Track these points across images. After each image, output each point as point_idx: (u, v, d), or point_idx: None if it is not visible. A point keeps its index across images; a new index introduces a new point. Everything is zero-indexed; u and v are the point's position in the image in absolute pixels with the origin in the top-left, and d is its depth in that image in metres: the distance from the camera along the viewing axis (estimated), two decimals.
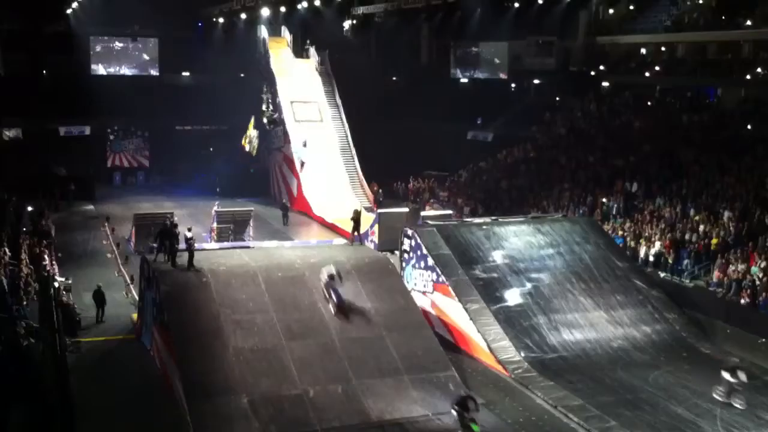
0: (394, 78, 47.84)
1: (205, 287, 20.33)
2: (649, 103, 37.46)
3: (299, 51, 42.72)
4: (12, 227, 24.42)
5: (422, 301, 22.64)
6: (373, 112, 42.15)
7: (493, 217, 26.84)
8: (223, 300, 19.94)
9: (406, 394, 18.03)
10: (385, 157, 38.01)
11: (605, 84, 40.24)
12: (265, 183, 40.94)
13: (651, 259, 25.83)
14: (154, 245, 21.91)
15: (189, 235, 20.52)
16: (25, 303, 18.62)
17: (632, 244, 26.79)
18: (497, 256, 23.55)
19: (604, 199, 29.82)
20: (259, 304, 20.02)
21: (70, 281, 22.88)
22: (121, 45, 47.61)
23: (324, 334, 19.37)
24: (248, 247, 24.58)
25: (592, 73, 40.46)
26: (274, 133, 40.11)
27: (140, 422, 16.47)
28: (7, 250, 21.23)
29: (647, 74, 38.43)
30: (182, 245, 20.62)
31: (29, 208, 27.87)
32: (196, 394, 16.93)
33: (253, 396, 17.14)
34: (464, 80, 45.71)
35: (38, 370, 15.92)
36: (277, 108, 39.37)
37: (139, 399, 17.58)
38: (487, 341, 20.67)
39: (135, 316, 22.28)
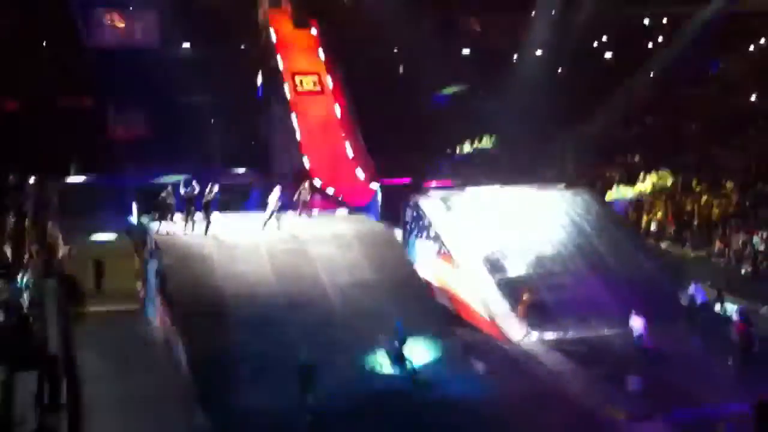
0: (395, 50, 47.42)
1: (207, 259, 20.45)
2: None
3: (300, 21, 42.34)
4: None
5: (425, 272, 22.67)
6: (373, 83, 41.84)
7: (497, 186, 26.60)
8: (226, 271, 20.06)
9: (408, 364, 18.12)
10: (386, 130, 37.88)
11: None
12: (265, 154, 40.87)
13: (653, 229, 25.84)
14: (156, 215, 21.99)
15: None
16: (29, 273, 18.63)
17: (634, 215, 26.80)
18: (500, 226, 23.45)
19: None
20: (261, 275, 20.14)
21: (74, 251, 22.88)
22: (118, 17, 47.18)
23: (326, 305, 19.46)
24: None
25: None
26: (276, 106, 39.91)
27: (144, 392, 16.55)
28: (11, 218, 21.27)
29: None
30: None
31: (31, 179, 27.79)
32: (199, 364, 17.04)
33: (255, 366, 17.23)
34: None
35: (43, 339, 16.00)
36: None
37: (143, 368, 17.68)
38: (489, 312, 20.74)
39: (139, 285, 22.33)
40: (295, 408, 15.87)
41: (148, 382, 17.02)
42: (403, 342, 18.05)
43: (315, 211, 24.25)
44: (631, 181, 28.82)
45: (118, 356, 18.20)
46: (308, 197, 23.87)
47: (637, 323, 18.85)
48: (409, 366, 17.97)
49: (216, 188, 21.51)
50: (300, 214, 23.39)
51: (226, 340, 17.88)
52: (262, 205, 23.08)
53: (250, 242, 21.19)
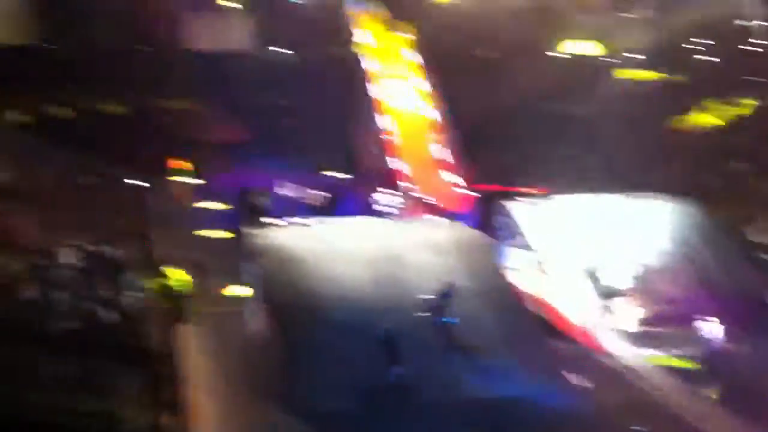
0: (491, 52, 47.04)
1: (304, 261, 20.83)
2: None
3: (390, 22, 42.52)
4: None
5: (518, 280, 22.48)
6: (465, 86, 41.61)
7: (591, 194, 26.13)
8: (322, 275, 20.37)
9: (500, 373, 18.03)
10: (480, 135, 37.66)
11: None
12: (357, 159, 41.15)
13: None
14: (253, 218, 22.61)
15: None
16: (134, 275, 19.27)
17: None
18: (597, 235, 23.04)
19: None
20: (356, 280, 20.36)
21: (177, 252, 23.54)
22: (211, 20, 48.25)
23: (422, 311, 19.51)
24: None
25: None
26: (366, 110, 40.16)
27: (244, 390, 16.87)
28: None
29: None
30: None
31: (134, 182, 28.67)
32: (296, 366, 17.33)
33: (349, 369, 17.41)
34: None
35: (151, 338, 16.55)
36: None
37: (246, 368, 18.01)
38: (584, 322, 20.42)
39: (240, 287, 22.81)
40: (387, 414, 16.03)
41: (246, 382, 17.35)
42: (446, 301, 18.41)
43: (411, 217, 24.34)
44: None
45: (219, 355, 18.62)
46: (406, 203, 24.05)
47: (713, 328, 18.21)
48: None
49: (316, 192, 21.98)
50: (397, 220, 23.52)
51: (320, 342, 18.15)
52: (356, 210, 23.34)
53: (346, 246, 21.44)
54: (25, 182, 23.13)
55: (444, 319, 18.80)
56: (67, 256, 18.63)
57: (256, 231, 22.26)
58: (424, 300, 19.15)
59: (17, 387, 13.57)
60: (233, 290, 22.65)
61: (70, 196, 23.09)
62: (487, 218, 25.99)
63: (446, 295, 19.17)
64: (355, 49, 40.98)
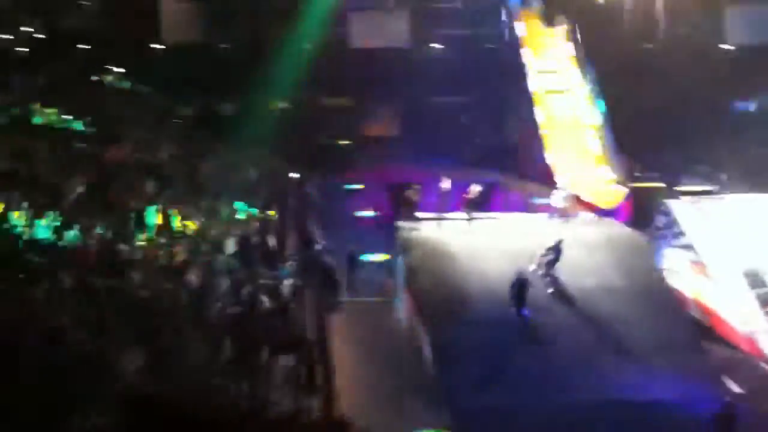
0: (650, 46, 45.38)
1: (453, 256, 20.95)
2: None
3: (548, 19, 41.84)
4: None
5: (677, 282, 21.58)
6: (624, 84, 40.29)
7: (758, 194, 24.69)
8: (470, 270, 20.41)
9: (653, 376, 17.38)
10: (638, 130, 36.37)
11: None
12: (511, 155, 40.79)
13: None
14: (404, 212, 23.02)
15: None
16: (289, 264, 20.09)
17: None
18: (763, 237, 21.73)
19: None
20: (505, 276, 20.20)
21: (329, 243, 24.35)
22: (374, 18, 49.20)
23: (571, 309, 19.20)
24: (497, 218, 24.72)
25: None
26: (522, 105, 39.74)
27: (390, 380, 17.23)
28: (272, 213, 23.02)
29: None
30: None
31: (294, 175, 29.82)
32: (444, 359, 17.47)
33: (495, 364, 17.36)
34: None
35: (302, 326, 17.18)
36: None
37: (389, 358, 18.39)
38: (749, 329, 19.33)
39: (389, 279, 23.28)
40: (534, 411, 15.87)
41: (392, 372, 17.68)
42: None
43: (565, 214, 23.88)
44: None
45: (367, 345, 19.10)
46: (560, 199, 23.70)
47: None
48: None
49: (477, 188, 22.13)
50: (556, 218, 23.18)
51: (467, 336, 18.17)
52: (509, 206, 23.23)
53: (497, 242, 21.37)
54: (192, 174, 24.57)
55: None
56: (231, 245, 19.63)
57: (407, 225, 22.59)
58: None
59: (180, 366, 14.45)
60: (384, 281, 23.20)
61: (236, 188, 24.26)
62: (644, 217, 25.13)
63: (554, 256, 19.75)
64: (513, 44, 40.66)
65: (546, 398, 16.57)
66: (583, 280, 20.09)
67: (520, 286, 18.77)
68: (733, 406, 15.60)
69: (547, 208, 24.25)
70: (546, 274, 19.96)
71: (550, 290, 19.76)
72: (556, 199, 23.64)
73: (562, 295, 19.63)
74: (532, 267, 19.90)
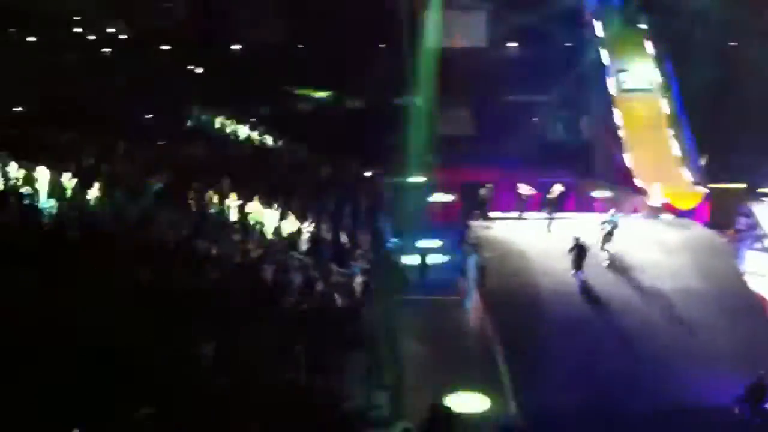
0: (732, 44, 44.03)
1: (524, 256, 20.80)
2: None
3: (629, 17, 41.02)
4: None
5: (759, 285, 20.92)
6: (705, 83, 39.20)
7: None
8: (542, 270, 20.24)
9: (730, 384, 16.88)
10: (719, 130, 35.35)
11: None
12: (586, 154, 40.19)
13: None
14: (476, 212, 22.97)
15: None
16: (360, 261, 20.20)
17: None
18: None
19: None
20: (579, 276, 20.02)
21: (400, 242, 24.41)
22: (450, 18, 49.01)
23: (645, 311, 18.84)
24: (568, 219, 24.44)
25: None
26: (599, 104, 39.08)
27: (459, 378, 17.15)
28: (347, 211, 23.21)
29: None
30: None
31: (366, 174, 29.98)
32: (514, 358, 17.33)
33: (568, 365, 17.13)
34: None
35: (372, 322, 17.27)
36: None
37: (458, 356, 18.31)
38: None
39: (460, 278, 23.22)
40: (607, 414, 15.62)
41: (462, 370, 17.60)
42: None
43: (642, 214, 23.41)
44: None
45: (437, 343, 19.07)
46: (637, 200, 23.34)
47: None
48: None
49: (559, 188, 21.95)
50: (626, 217, 22.78)
51: (539, 336, 18.01)
52: (585, 206, 22.97)
53: (568, 242, 21.08)
54: (267, 171, 25.00)
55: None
56: (304, 242, 19.88)
57: (480, 223, 22.53)
58: None
59: (254, 360, 14.73)
60: (454, 279, 23.14)
61: (309, 185, 24.57)
62: (724, 219, 24.45)
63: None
64: (592, 43, 40.05)
65: (619, 402, 16.28)
66: (660, 282, 19.69)
67: (579, 249, 19.93)
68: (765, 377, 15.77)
69: (622, 209, 23.77)
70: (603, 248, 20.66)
71: (606, 263, 20.48)
72: (629, 198, 23.27)
73: (637, 297, 19.25)
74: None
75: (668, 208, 27.25)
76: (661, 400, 16.22)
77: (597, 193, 24.60)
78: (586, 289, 19.64)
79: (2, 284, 13.43)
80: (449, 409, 14.44)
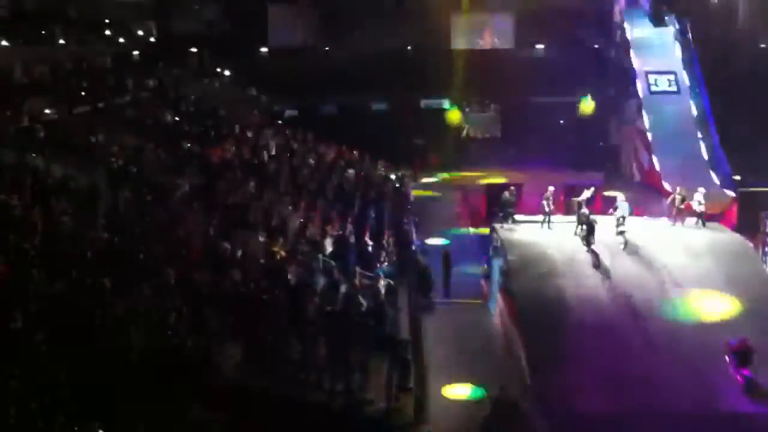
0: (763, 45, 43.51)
1: (549, 259, 20.74)
2: None
3: (657, 19, 40.72)
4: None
5: None
6: (734, 85, 38.76)
7: None
8: (567, 273, 20.17)
9: (760, 389, 16.76)
10: (749, 132, 34.93)
11: None
12: (614, 157, 39.99)
13: None
14: (501, 214, 22.95)
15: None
16: (387, 263, 20.26)
17: None
18: None
19: None
20: (604, 279, 19.95)
21: (424, 244, 24.48)
22: (477, 20, 48.94)
23: (672, 315, 18.72)
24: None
25: None
26: (627, 106, 38.86)
27: (481, 381, 17.17)
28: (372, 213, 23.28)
29: None
30: None
31: (392, 176, 30.00)
32: (538, 363, 17.30)
33: (594, 371, 17.07)
34: None
35: (396, 325, 17.31)
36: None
37: (482, 359, 18.32)
38: None
39: (484, 281, 23.22)
40: (633, 420, 15.55)
41: (486, 374, 17.61)
42: None
43: (669, 218, 23.20)
44: None
45: (460, 346, 19.08)
46: (665, 203, 23.19)
47: None
48: None
49: (588, 192, 21.93)
50: (674, 223, 22.63)
51: (564, 340, 17.95)
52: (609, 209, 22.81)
53: (595, 246, 21.03)
54: (293, 173, 25.13)
55: None
56: (330, 245, 19.96)
57: (505, 226, 22.52)
58: None
59: (276, 361, 14.87)
60: (478, 283, 23.16)
61: (333, 187, 24.65)
62: (751, 222, 24.22)
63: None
64: (621, 45, 39.85)
65: (645, 407, 16.18)
66: (686, 286, 19.56)
67: (589, 226, 20.74)
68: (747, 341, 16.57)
69: (649, 212, 23.70)
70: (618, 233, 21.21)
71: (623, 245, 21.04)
72: (657, 202, 23.15)
73: (663, 301, 19.13)
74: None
75: (695, 211, 27.02)
76: (688, 404, 16.14)
77: (614, 194, 24.43)
78: (611, 292, 19.53)
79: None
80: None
